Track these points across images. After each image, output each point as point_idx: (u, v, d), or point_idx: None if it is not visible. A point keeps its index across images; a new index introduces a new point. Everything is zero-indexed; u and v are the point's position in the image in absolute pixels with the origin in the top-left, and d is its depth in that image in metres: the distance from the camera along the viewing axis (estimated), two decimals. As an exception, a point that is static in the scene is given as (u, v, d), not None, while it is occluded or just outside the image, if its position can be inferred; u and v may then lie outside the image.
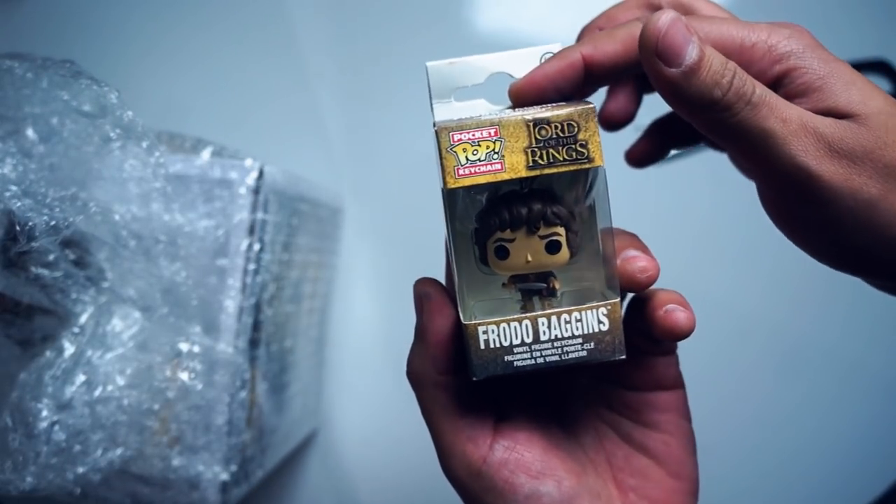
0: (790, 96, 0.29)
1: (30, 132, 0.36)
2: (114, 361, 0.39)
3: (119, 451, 0.39)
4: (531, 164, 0.30)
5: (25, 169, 0.34)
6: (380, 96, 0.73)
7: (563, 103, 0.31)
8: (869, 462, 0.65)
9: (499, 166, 0.30)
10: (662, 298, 0.32)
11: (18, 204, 0.33)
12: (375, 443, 0.67)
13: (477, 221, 0.33)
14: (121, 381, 0.39)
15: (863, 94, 0.29)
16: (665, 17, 0.28)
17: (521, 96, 0.32)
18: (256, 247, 0.48)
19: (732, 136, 0.29)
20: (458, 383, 0.33)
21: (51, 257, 0.37)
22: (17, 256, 0.35)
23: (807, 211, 0.29)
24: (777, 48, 0.30)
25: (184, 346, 0.43)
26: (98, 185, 0.38)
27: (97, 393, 0.38)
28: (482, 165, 0.30)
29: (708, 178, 0.64)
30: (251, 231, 0.48)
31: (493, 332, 0.30)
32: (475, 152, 0.30)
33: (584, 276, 0.34)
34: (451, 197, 0.31)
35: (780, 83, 0.30)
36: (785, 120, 0.28)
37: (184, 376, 0.42)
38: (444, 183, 0.30)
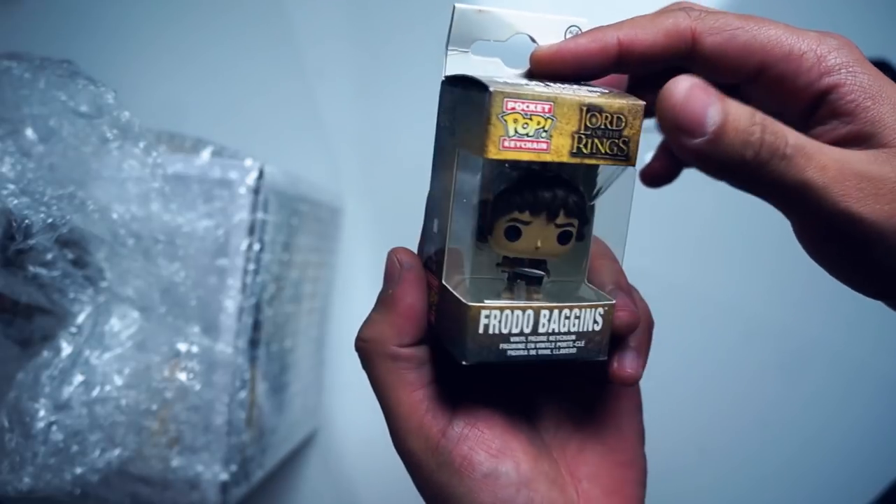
0: (837, 113, 0.28)
1: (29, 132, 0.36)
2: (112, 361, 0.39)
3: (117, 451, 0.39)
4: (575, 150, 0.28)
5: (24, 168, 0.34)
6: (380, 96, 0.73)
7: (615, 92, 0.30)
8: (872, 463, 0.65)
9: (545, 146, 0.28)
10: (622, 343, 0.31)
11: (15, 202, 0.33)
12: (375, 443, 0.67)
13: (496, 197, 0.31)
14: (119, 382, 0.39)
15: None
16: (681, 86, 0.26)
17: (544, 66, 0.31)
18: (256, 247, 0.48)
19: (769, 191, 0.28)
20: (420, 356, 0.32)
21: (49, 256, 0.37)
22: (16, 255, 0.35)
23: (850, 251, 0.28)
24: (827, 59, 0.29)
25: (182, 347, 0.43)
26: (97, 185, 0.38)
27: (95, 393, 0.38)
28: (529, 141, 0.28)
29: (714, 180, 0.64)
30: (251, 231, 0.48)
31: (495, 317, 0.29)
32: (525, 126, 0.28)
33: (565, 270, 0.33)
34: (488, 167, 0.30)
35: (826, 97, 0.29)
36: (824, 167, 0.27)
37: (182, 376, 0.42)
38: (484, 151, 0.28)
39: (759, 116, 0.27)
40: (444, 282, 0.30)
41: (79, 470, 0.37)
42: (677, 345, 0.67)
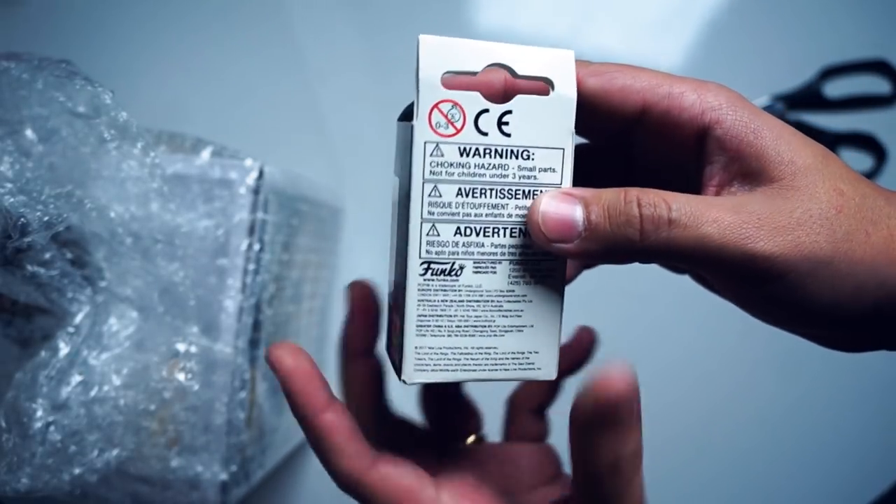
0: (723, 148, 0.29)
1: (28, 132, 0.36)
2: (110, 361, 0.39)
3: (115, 451, 0.39)
4: None
5: (22, 167, 0.34)
6: (381, 96, 0.73)
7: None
8: (869, 462, 0.65)
9: None
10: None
11: (11, 200, 0.33)
12: (375, 443, 0.67)
13: None
14: (117, 382, 0.39)
15: (791, 147, 0.28)
16: (539, 200, 0.28)
17: None
18: (256, 247, 0.48)
19: (671, 258, 0.28)
20: None
21: (47, 255, 0.37)
22: (14, 254, 0.35)
23: (770, 290, 0.28)
24: (706, 97, 0.29)
25: (181, 347, 0.43)
26: (96, 185, 0.38)
27: (93, 393, 0.38)
28: None
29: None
30: (251, 231, 0.48)
31: None
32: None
33: None
34: None
35: (709, 133, 0.29)
36: (716, 219, 0.27)
37: (180, 377, 0.42)
38: None
39: (633, 193, 0.27)
40: None
41: (77, 470, 0.37)
42: (674, 341, 0.67)
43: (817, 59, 0.68)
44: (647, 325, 0.66)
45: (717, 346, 0.67)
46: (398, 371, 0.31)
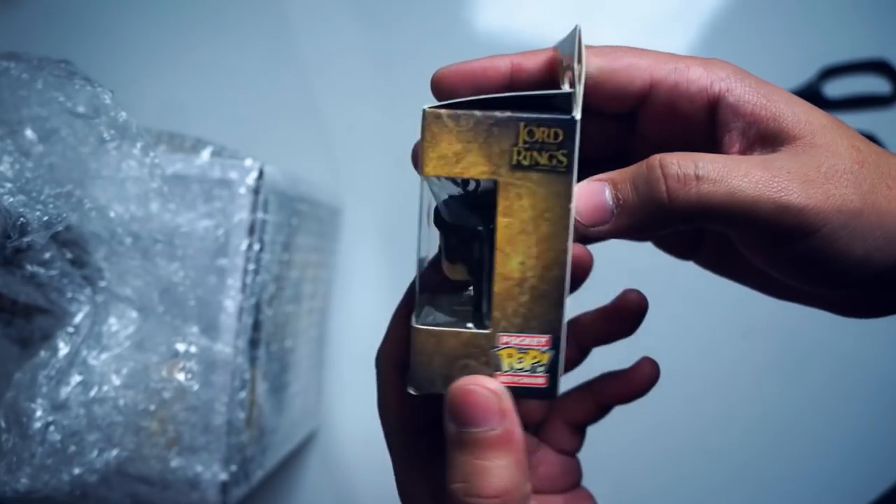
0: (738, 114, 0.29)
1: (28, 132, 0.36)
2: (110, 361, 0.39)
3: (115, 451, 0.39)
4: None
5: (22, 167, 0.34)
6: (380, 96, 0.73)
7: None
8: (876, 464, 0.65)
9: None
10: None
11: (11, 200, 0.33)
12: (375, 443, 0.66)
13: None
14: (117, 382, 0.39)
15: (803, 108, 0.29)
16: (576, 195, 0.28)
17: (443, 84, 0.32)
18: (256, 247, 0.48)
19: (704, 219, 0.28)
20: None
21: (47, 255, 0.37)
22: (14, 254, 0.35)
23: (803, 246, 0.28)
24: (712, 69, 0.30)
25: (180, 347, 0.43)
26: (95, 185, 0.38)
27: (93, 393, 0.38)
28: None
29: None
30: (251, 231, 0.48)
31: None
32: None
33: None
34: None
35: (723, 100, 0.29)
36: (746, 173, 0.27)
37: (180, 377, 0.42)
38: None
39: (654, 158, 0.28)
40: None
41: (77, 470, 0.37)
42: (681, 345, 0.67)
43: (817, 59, 0.68)
44: (652, 329, 0.66)
45: (722, 350, 0.67)
46: (548, 390, 0.29)
